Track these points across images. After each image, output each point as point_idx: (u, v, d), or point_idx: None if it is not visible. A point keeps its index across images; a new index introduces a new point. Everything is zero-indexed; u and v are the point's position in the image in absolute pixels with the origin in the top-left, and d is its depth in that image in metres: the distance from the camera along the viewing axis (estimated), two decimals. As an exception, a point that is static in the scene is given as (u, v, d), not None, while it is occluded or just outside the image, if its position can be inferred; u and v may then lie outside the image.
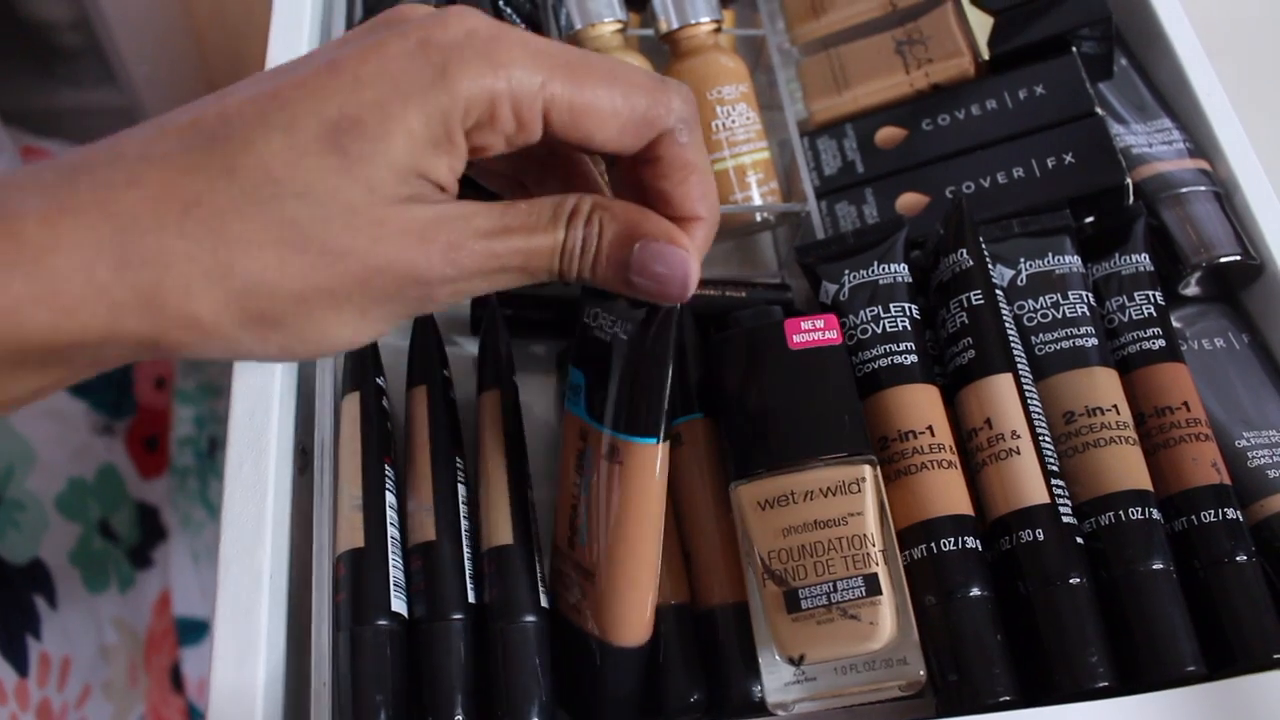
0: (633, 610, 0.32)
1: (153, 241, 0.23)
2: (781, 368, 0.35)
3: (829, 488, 0.33)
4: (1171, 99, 0.48)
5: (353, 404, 0.36)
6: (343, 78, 0.25)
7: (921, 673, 0.32)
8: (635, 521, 0.31)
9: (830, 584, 0.32)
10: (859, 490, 0.33)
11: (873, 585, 0.32)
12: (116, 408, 0.86)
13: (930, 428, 0.36)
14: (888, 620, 0.32)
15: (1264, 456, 0.39)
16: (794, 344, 0.35)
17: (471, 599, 0.34)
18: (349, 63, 0.25)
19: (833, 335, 0.36)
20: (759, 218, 0.44)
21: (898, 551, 0.33)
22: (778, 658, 0.32)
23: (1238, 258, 0.42)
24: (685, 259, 0.28)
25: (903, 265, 0.39)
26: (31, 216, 0.23)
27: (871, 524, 0.33)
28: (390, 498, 0.35)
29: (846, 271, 0.40)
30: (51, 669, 0.73)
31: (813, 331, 0.36)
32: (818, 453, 0.34)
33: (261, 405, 0.35)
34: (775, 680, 0.32)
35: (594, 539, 0.33)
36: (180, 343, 0.24)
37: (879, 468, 0.34)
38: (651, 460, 0.31)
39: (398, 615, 0.33)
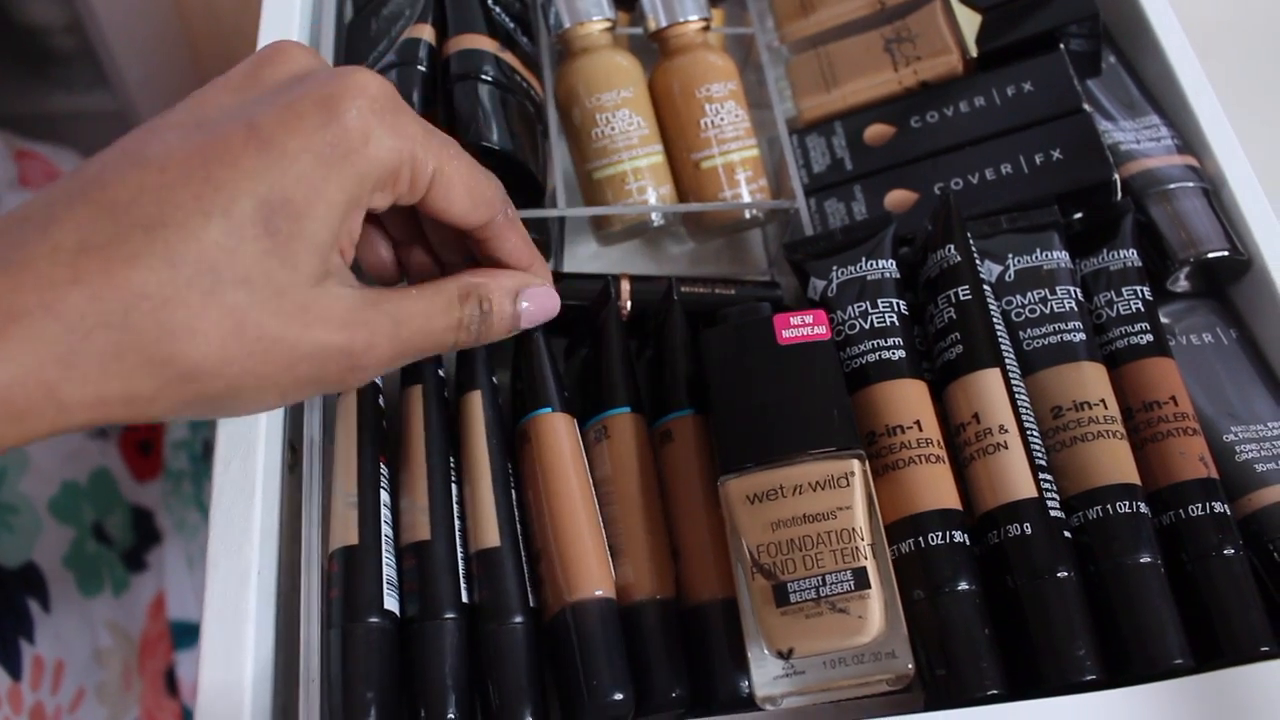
0: (582, 559, 0.33)
1: (100, 338, 0.24)
2: (770, 363, 0.35)
3: (818, 482, 0.33)
4: (1160, 96, 0.48)
5: (349, 401, 0.36)
6: (271, 154, 0.26)
7: (910, 666, 0.32)
8: (556, 484, 0.35)
9: (819, 578, 0.32)
10: (848, 484, 0.33)
11: (861, 579, 0.32)
12: (110, 411, 0.85)
13: (918, 422, 0.36)
14: (876, 614, 0.32)
15: (1252, 450, 0.39)
16: (783, 339, 0.35)
17: (465, 599, 0.34)
18: (274, 136, 0.26)
19: (821, 331, 0.36)
20: (748, 215, 0.44)
21: (886, 546, 0.33)
22: (766, 652, 0.32)
23: (1225, 253, 0.42)
24: (551, 293, 0.35)
25: (890, 261, 0.40)
26: None
27: (860, 518, 0.33)
28: (385, 496, 0.35)
29: (835, 268, 0.40)
30: (45, 672, 0.73)
31: (801, 327, 0.36)
32: (806, 447, 0.34)
33: (250, 403, 0.35)
34: (764, 674, 0.32)
35: (536, 522, 0.35)
36: (118, 418, 0.25)
37: (867, 462, 0.34)
38: (550, 425, 0.35)
39: (390, 613, 0.33)
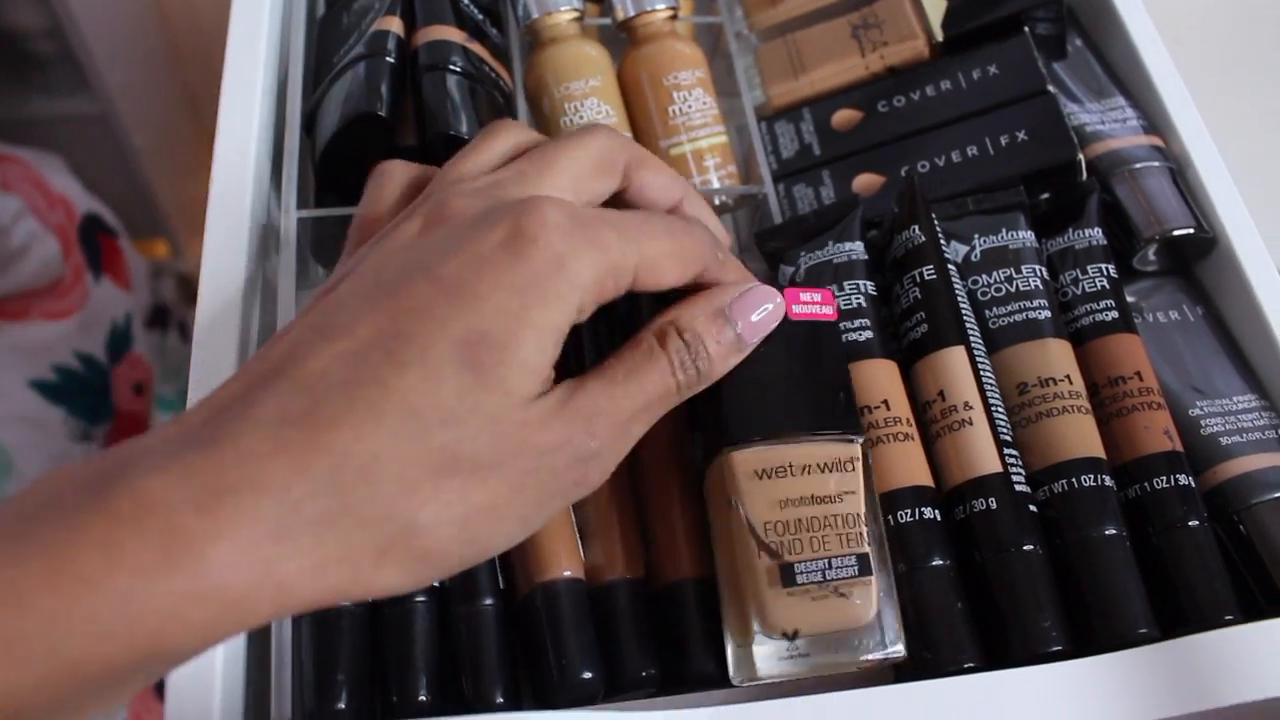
0: (550, 541, 0.34)
1: (309, 507, 0.23)
2: (780, 336, 0.33)
3: (826, 464, 0.33)
4: (1126, 79, 0.48)
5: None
6: (463, 298, 0.25)
7: (904, 651, 0.32)
8: None
9: (826, 561, 0.32)
10: (854, 469, 0.33)
11: (864, 565, 0.32)
12: (94, 414, 0.85)
13: (886, 401, 0.37)
14: (877, 600, 0.32)
15: (1217, 424, 0.39)
16: (793, 314, 0.34)
17: (435, 582, 0.34)
18: (463, 281, 0.25)
19: (829, 311, 0.35)
20: (717, 201, 0.44)
21: (883, 533, 0.33)
22: (765, 633, 0.32)
23: (1191, 231, 0.42)
24: (763, 291, 0.32)
25: (858, 244, 0.40)
26: (184, 506, 0.22)
27: (863, 503, 0.33)
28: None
29: (803, 253, 0.40)
30: None
31: (811, 304, 0.34)
32: (815, 427, 0.33)
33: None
34: (767, 654, 0.32)
35: None
36: (349, 594, 0.24)
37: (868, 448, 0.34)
38: None
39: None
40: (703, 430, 0.36)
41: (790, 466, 0.33)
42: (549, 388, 0.27)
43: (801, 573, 0.31)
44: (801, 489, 0.32)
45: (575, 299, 0.27)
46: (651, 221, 0.30)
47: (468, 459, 0.25)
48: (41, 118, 0.94)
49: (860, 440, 0.33)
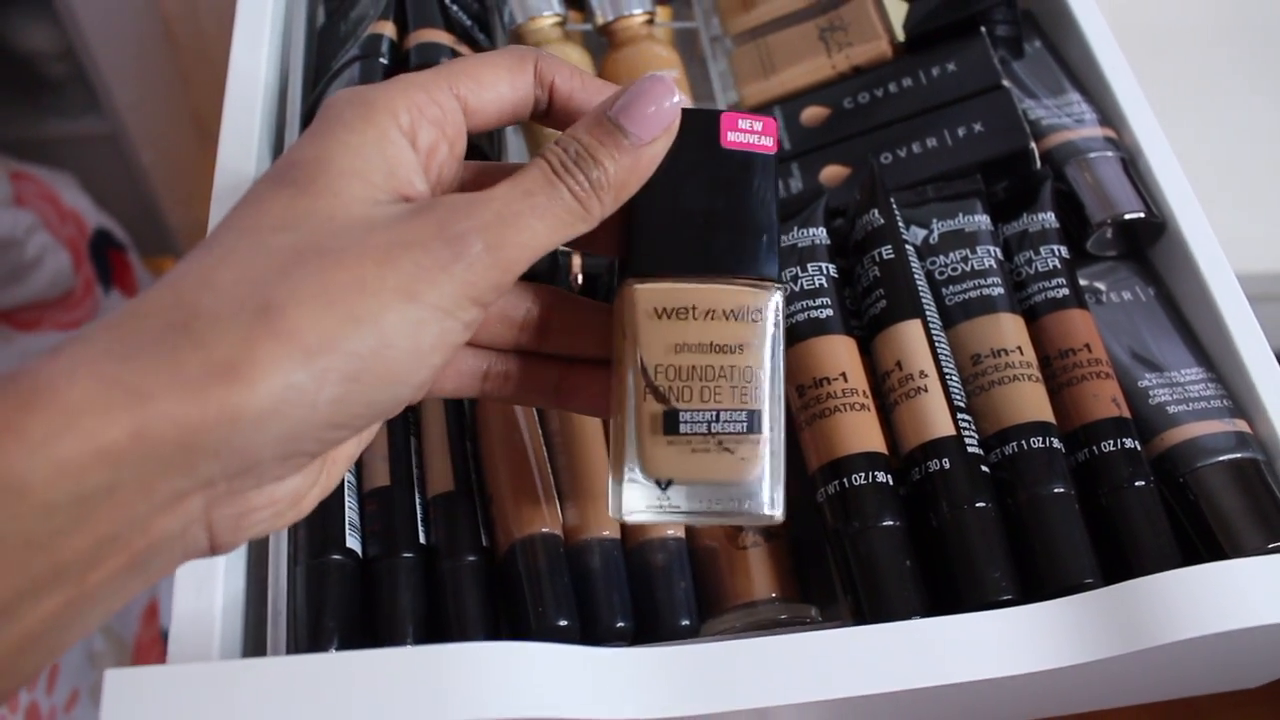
0: (529, 499, 0.35)
1: (162, 319, 0.24)
2: (708, 164, 0.31)
3: (732, 310, 0.31)
4: (1082, 76, 0.51)
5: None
6: (287, 152, 0.28)
7: (780, 515, 0.31)
8: (506, 433, 0.37)
9: (713, 413, 0.30)
10: (759, 320, 0.31)
11: (755, 422, 0.30)
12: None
13: (843, 374, 0.39)
14: (762, 460, 0.31)
15: (1164, 394, 0.41)
16: (726, 141, 0.31)
17: (422, 540, 0.36)
18: (294, 143, 0.28)
19: (768, 143, 0.32)
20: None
21: (782, 393, 0.31)
22: (641, 475, 0.30)
23: (1141, 215, 0.45)
24: (653, 86, 0.29)
25: (821, 229, 0.42)
26: (39, 359, 0.23)
27: (766, 358, 0.31)
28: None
29: (770, 236, 0.42)
30: (40, 674, 0.75)
31: (749, 133, 0.31)
32: (729, 269, 0.31)
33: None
34: (635, 497, 0.31)
35: (488, 469, 0.38)
36: (230, 398, 0.23)
37: (784, 302, 0.32)
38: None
39: (351, 552, 0.35)
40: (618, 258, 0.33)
41: (693, 309, 0.30)
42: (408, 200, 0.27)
43: (686, 421, 0.30)
44: (701, 334, 0.30)
45: (386, 121, 0.27)
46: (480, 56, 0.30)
47: (312, 249, 0.24)
48: (54, 137, 0.97)
49: (778, 290, 0.31)
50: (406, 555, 0.35)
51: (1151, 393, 0.41)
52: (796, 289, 0.41)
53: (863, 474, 0.37)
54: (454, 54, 0.46)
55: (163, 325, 0.23)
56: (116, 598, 0.24)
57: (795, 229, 0.42)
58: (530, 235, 0.27)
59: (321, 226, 0.25)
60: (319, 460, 0.27)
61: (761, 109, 0.50)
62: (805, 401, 0.39)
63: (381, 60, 0.45)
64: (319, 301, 0.24)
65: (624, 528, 0.38)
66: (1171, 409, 0.41)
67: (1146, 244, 0.47)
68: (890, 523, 0.36)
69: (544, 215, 0.27)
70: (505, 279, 0.27)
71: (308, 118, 0.46)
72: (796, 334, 0.40)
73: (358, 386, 0.24)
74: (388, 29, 0.46)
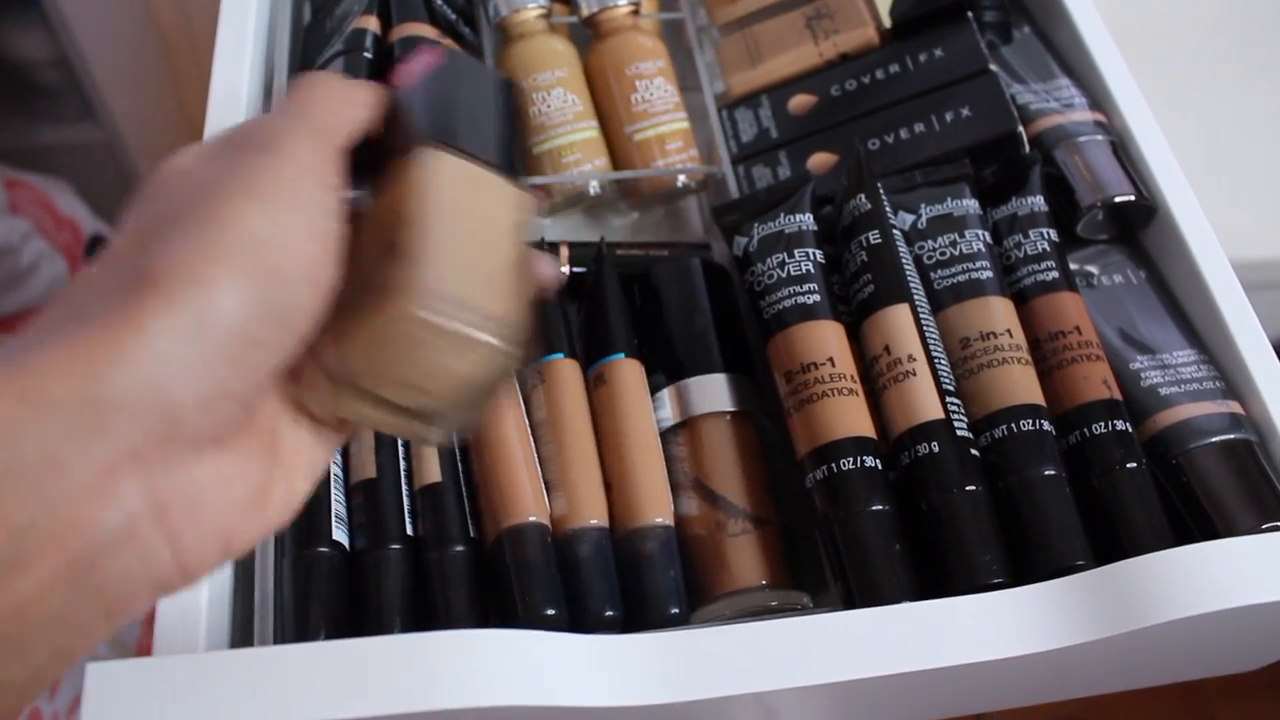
0: (517, 488, 0.36)
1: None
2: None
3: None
4: (1071, 61, 0.50)
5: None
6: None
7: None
8: (493, 424, 0.37)
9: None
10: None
11: None
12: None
13: (831, 359, 0.39)
14: None
15: (1155, 376, 0.41)
16: (415, 80, 0.29)
17: (410, 531, 0.36)
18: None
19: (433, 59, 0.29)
20: (680, 182, 0.47)
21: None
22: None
23: (1131, 198, 0.45)
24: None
25: (808, 215, 0.42)
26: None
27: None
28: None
29: (756, 225, 0.42)
30: None
31: (420, 65, 0.29)
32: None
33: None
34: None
35: (476, 459, 0.38)
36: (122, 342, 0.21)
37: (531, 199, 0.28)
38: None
39: (338, 544, 0.35)
40: None
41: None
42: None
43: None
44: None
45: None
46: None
47: (168, 215, 0.23)
48: (49, 145, 0.97)
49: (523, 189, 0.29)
50: (394, 547, 0.35)
51: (1144, 375, 0.41)
52: (783, 275, 0.40)
53: (851, 459, 0.37)
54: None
55: (49, 317, 0.22)
56: (65, 624, 0.21)
57: (782, 215, 0.42)
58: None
59: (184, 195, 0.24)
60: (264, 440, 0.24)
61: (749, 97, 0.49)
62: (793, 387, 0.38)
63: (366, 55, 0.45)
64: (187, 232, 0.22)
65: (612, 517, 0.37)
66: (1164, 391, 0.40)
67: (1138, 227, 0.47)
68: (879, 507, 0.36)
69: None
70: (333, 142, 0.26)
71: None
72: (783, 320, 0.40)
73: (251, 286, 0.22)
74: (371, 23, 0.46)
